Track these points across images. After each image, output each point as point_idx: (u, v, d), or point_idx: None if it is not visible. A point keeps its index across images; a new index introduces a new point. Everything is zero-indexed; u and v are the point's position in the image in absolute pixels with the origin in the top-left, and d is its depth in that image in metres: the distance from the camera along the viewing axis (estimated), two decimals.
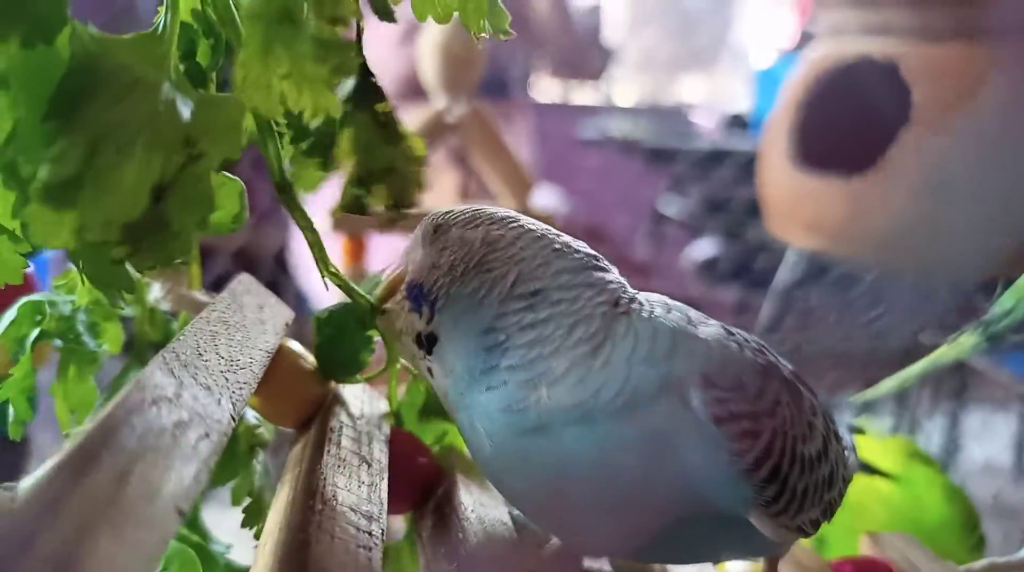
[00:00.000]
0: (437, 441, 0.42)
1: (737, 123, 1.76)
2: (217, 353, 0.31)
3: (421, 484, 0.40)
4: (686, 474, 0.30)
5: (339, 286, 0.37)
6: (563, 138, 1.88)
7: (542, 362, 0.30)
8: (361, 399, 0.41)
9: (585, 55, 2.21)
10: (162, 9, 0.27)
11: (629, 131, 1.84)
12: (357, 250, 0.80)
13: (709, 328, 0.33)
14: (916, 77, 0.77)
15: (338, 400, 0.39)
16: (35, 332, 0.36)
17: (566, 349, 0.30)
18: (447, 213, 0.35)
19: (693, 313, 0.34)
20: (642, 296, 0.33)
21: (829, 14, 0.87)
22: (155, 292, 0.37)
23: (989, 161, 0.74)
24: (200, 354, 0.30)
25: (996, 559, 0.46)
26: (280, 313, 0.40)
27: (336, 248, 0.93)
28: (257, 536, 0.40)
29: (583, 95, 1.99)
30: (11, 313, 0.36)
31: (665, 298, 0.34)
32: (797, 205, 0.88)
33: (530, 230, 0.33)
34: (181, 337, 0.30)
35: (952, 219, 0.77)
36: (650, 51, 2.09)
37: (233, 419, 0.28)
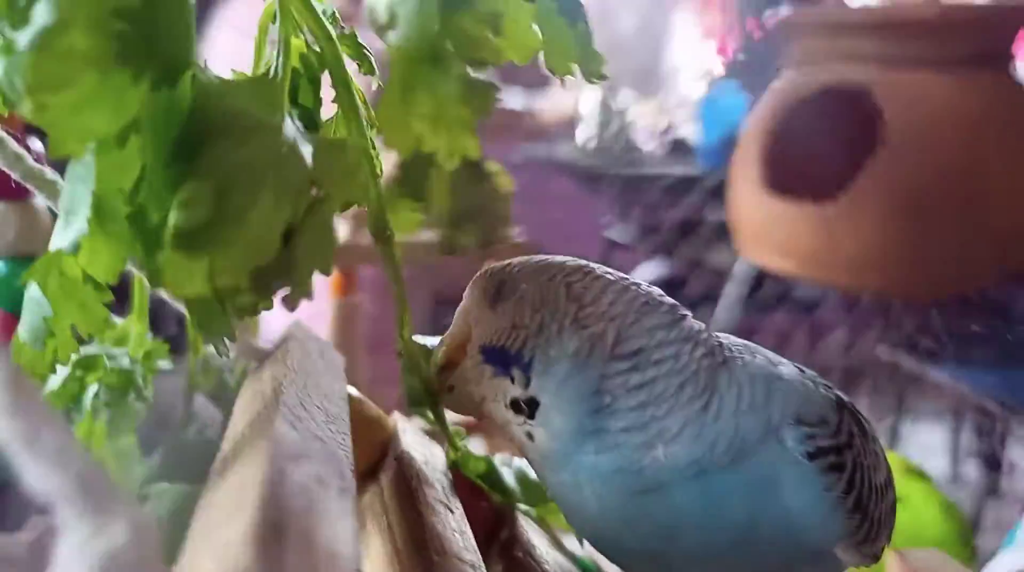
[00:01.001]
0: None
1: (681, 148, 1.81)
2: (315, 405, 0.30)
3: (483, 527, 0.40)
4: (789, 514, 0.30)
5: (406, 357, 0.35)
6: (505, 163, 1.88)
7: (656, 423, 0.30)
8: (422, 445, 0.40)
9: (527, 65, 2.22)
10: (269, 51, 0.27)
11: (563, 154, 1.85)
12: (347, 284, 0.79)
13: (787, 368, 0.34)
14: (887, 103, 0.81)
15: (403, 447, 0.38)
16: (94, 388, 0.34)
17: (679, 408, 0.30)
18: (506, 268, 0.34)
19: (768, 353, 0.35)
20: (723, 340, 0.33)
21: (799, 43, 0.90)
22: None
23: (958, 185, 0.78)
24: (304, 407, 0.29)
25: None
26: (335, 357, 0.39)
27: (320, 283, 0.91)
28: None
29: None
30: (63, 370, 0.34)
31: (740, 340, 0.35)
32: (768, 229, 0.91)
33: (609, 280, 0.32)
34: (284, 395, 0.29)
35: (920, 241, 0.80)
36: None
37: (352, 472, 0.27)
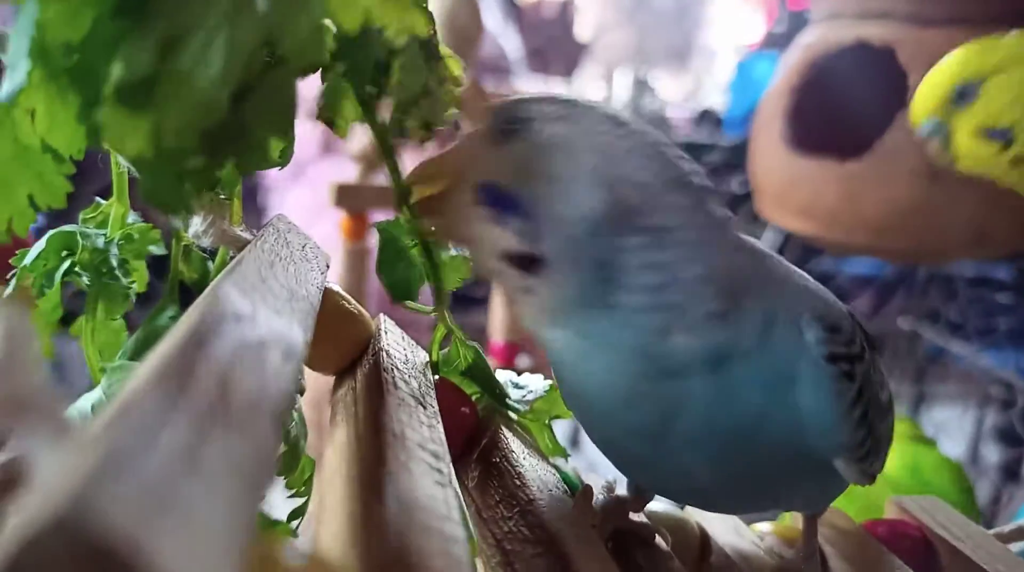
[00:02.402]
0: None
1: (709, 119, 1.78)
2: (278, 281, 0.29)
3: (464, 433, 0.39)
4: (799, 414, 0.29)
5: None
6: None
7: (676, 310, 0.28)
8: (403, 346, 0.39)
9: (556, 51, 2.22)
10: None
11: None
12: (358, 228, 0.78)
13: (805, 276, 0.32)
14: (913, 62, 0.78)
15: (382, 346, 0.38)
16: (66, 264, 0.33)
17: (701, 299, 0.28)
18: (522, 103, 0.30)
19: (786, 262, 0.33)
20: (753, 243, 0.32)
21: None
22: (195, 226, 0.35)
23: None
24: (264, 280, 0.28)
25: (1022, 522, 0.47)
26: (321, 254, 0.38)
27: (330, 227, 0.90)
28: (289, 485, 0.38)
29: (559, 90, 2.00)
30: (39, 245, 0.34)
31: (761, 244, 0.33)
32: (791, 189, 0.89)
33: (642, 138, 0.29)
34: (241, 263, 0.28)
35: (944, 203, 0.78)
36: (621, 48, 2.10)
37: (304, 346, 0.27)
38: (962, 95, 0.42)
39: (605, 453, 0.34)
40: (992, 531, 0.45)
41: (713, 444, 0.29)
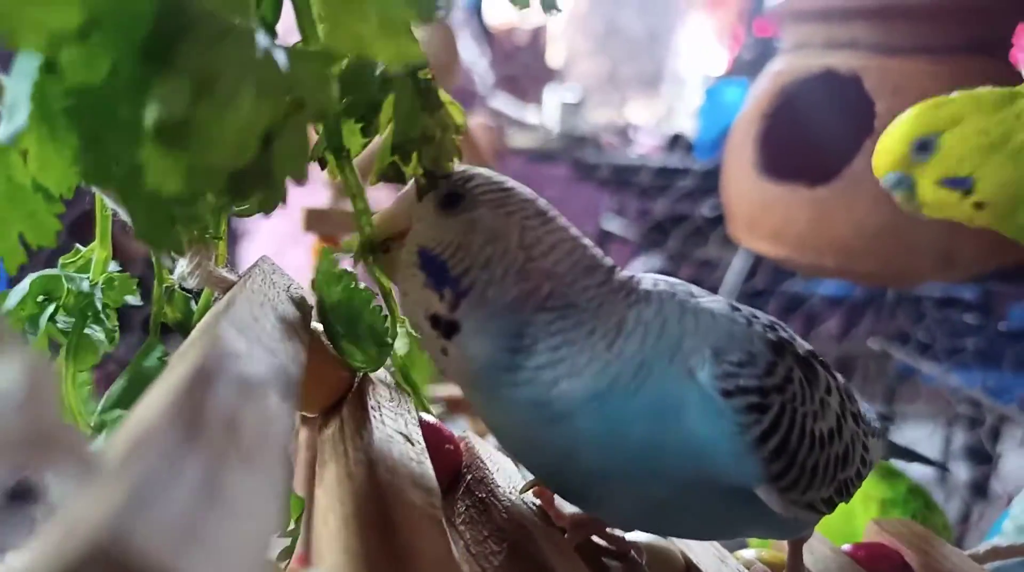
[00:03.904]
0: None
1: (680, 144, 1.81)
2: (269, 321, 0.30)
3: (449, 470, 0.39)
4: (693, 445, 0.31)
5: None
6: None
7: (566, 362, 0.31)
8: (387, 384, 0.40)
9: (528, 77, 2.25)
10: None
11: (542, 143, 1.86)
12: None
13: (714, 303, 0.34)
14: (879, 90, 0.80)
15: (367, 383, 0.38)
16: (50, 309, 0.33)
17: (588, 348, 0.31)
18: (464, 179, 0.34)
19: (695, 289, 0.35)
20: (648, 279, 0.34)
21: (795, 28, 0.90)
22: (181, 268, 0.35)
23: None
24: (256, 320, 0.29)
25: (997, 543, 0.48)
26: (304, 294, 0.38)
27: (303, 252, 0.91)
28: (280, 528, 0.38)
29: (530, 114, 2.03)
30: (22, 287, 0.34)
31: (668, 278, 0.35)
32: (762, 213, 0.91)
33: (561, 236, 0.33)
34: (233, 304, 0.29)
35: (910, 227, 0.80)
36: (594, 74, 2.13)
37: (298, 384, 0.27)
38: (922, 148, 0.44)
39: (554, 492, 0.37)
40: (968, 552, 0.46)
41: (617, 475, 0.32)
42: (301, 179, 0.26)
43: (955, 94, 0.46)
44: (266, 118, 0.23)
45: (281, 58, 0.24)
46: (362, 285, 0.36)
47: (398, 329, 0.38)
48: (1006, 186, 0.43)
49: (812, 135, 0.90)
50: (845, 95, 0.84)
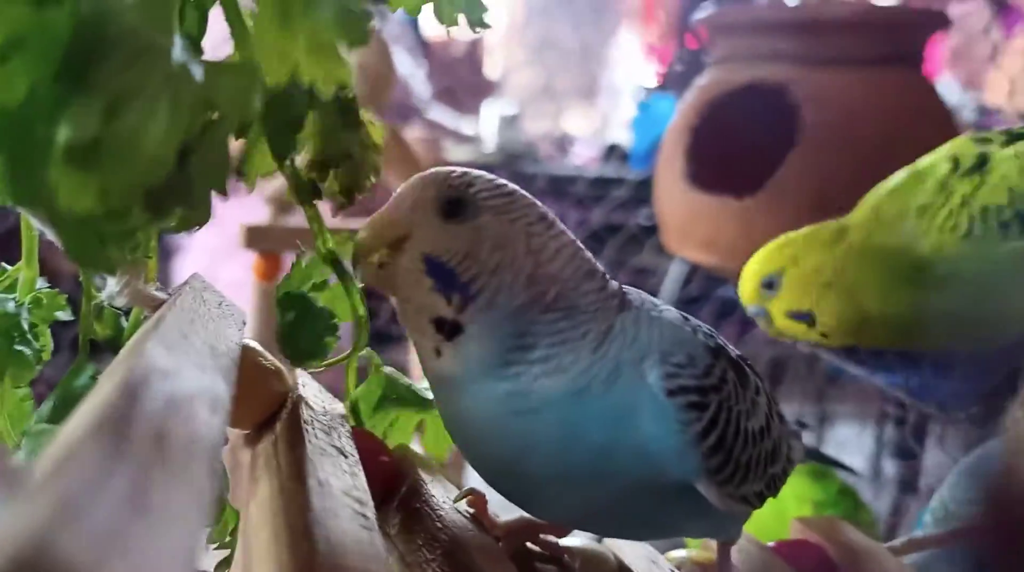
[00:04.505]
0: (389, 426, 0.42)
1: (616, 154, 1.84)
2: (199, 338, 0.30)
3: (384, 481, 0.40)
4: (642, 443, 0.33)
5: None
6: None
7: (556, 359, 0.33)
8: (321, 398, 0.40)
9: (466, 89, 2.26)
10: None
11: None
12: (270, 268, 0.78)
13: (671, 314, 0.36)
14: (803, 101, 0.83)
15: (301, 398, 0.38)
16: None
17: (577, 348, 0.33)
18: (465, 184, 0.34)
19: (660, 303, 0.37)
20: (631, 290, 0.37)
21: (722, 42, 0.93)
22: (110, 287, 0.34)
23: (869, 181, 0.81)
24: (185, 337, 0.29)
25: (914, 535, 0.50)
26: (237, 311, 0.39)
27: (240, 267, 0.90)
28: (214, 538, 0.38)
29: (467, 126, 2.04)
30: None
31: (643, 295, 0.37)
32: (692, 223, 0.93)
33: (564, 240, 0.35)
34: (161, 322, 0.29)
35: None
36: (530, 86, 2.16)
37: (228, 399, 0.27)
38: (768, 286, 0.48)
39: (501, 494, 0.37)
40: (887, 545, 0.48)
41: (571, 471, 0.33)
42: (222, 191, 0.26)
43: (799, 232, 0.50)
44: (181, 134, 0.23)
45: (199, 73, 0.24)
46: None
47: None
48: (842, 318, 0.48)
49: (739, 146, 0.93)
50: (770, 107, 0.87)
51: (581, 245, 0.36)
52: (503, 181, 0.35)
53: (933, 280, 0.45)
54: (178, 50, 0.24)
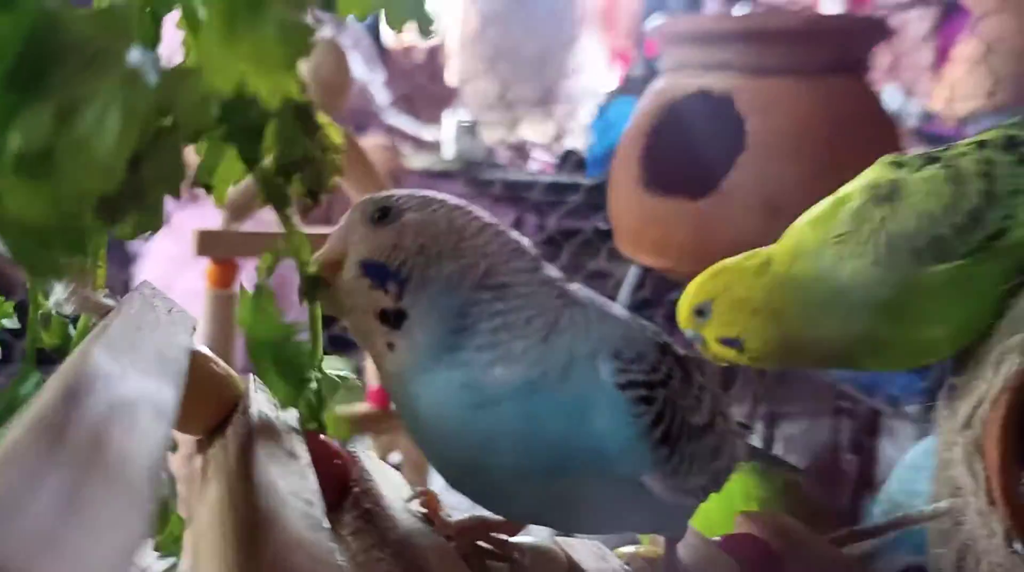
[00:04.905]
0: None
1: (572, 160, 1.86)
2: (146, 344, 0.30)
3: (338, 483, 0.40)
4: (597, 435, 0.34)
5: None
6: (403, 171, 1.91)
7: (504, 346, 0.34)
8: (272, 403, 0.40)
9: (425, 96, 2.26)
10: None
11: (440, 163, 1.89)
12: (224, 275, 0.78)
13: (620, 311, 0.38)
14: (750, 109, 0.86)
15: (251, 404, 0.38)
16: None
17: (526, 336, 0.34)
18: (389, 197, 0.37)
19: (609, 302, 0.38)
20: (572, 284, 0.38)
21: (672, 51, 0.95)
22: (58, 293, 0.35)
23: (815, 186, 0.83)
24: (132, 344, 0.29)
25: (855, 527, 0.52)
26: (187, 317, 0.39)
27: (196, 274, 0.89)
28: (160, 545, 0.39)
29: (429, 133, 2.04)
30: None
31: (589, 291, 0.38)
32: (645, 227, 0.95)
33: (487, 223, 0.36)
34: (108, 328, 0.29)
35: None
36: (489, 92, 2.16)
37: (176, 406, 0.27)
38: (700, 313, 0.50)
39: (459, 490, 0.37)
40: (828, 537, 0.50)
41: (530, 467, 0.34)
42: (176, 195, 0.27)
43: (729, 261, 0.52)
44: (134, 141, 0.24)
45: (154, 79, 0.25)
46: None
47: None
48: (769, 344, 0.50)
49: (691, 151, 0.95)
50: (719, 113, 0.90)
51: (507, 229, 0.37)
52: (424, 191, 0.37)
53: (850, 307, 0.47)
54: (133, 57, 0.25)
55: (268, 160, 0.35)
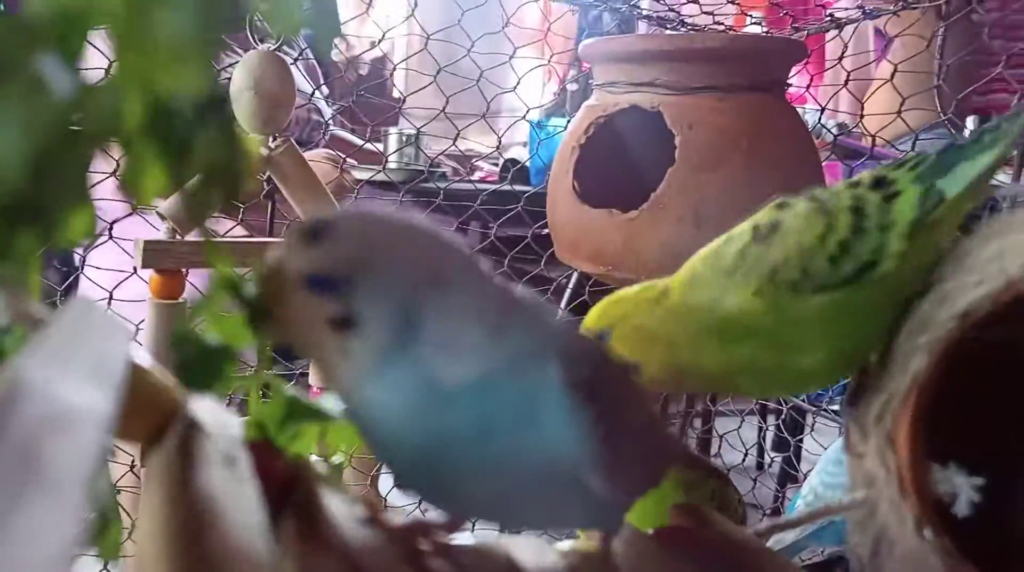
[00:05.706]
0: (292, 439, 0.43)
1: (513, 170, 1.89)
2: (81, 356, 0.31)
3: (278, 490, 0.41)
4: (543, 434, 0.35)
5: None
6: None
7: (458, 342, 0.35)
8: (215, 412, 0.41)
9: (370, 108, 2.26)
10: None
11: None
12: (169, 285, 0.77)
13: (560, 314, 0.39)
14: (677, 124, 0.89)
15: (191, 412, 0.39)
16: None
17: (473, 332, 0.35)
18: (320, 218, 0.37)
19: (546, 302, 0.40)
20: (515, 289, 0.39)
21: (604, 69, 0.98)
22: None
23: (737, 197, 0.87)
24: (66, 353, 0.30)
25: (776, 520, 0.55)
26: (124, 327, 0.39)
27: (138, 284, 0.88)
28: (101, 553, 0.39)
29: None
30: None
31: (530, 292, 0.40)
32: (582, 236, 0.98)
33: (426, 227, 0.37)
34: (41, 339, 0.30)
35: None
36: (433, 104, 2.17)
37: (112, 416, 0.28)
38: (600, 339, 0.53)
39: (409, 489, 0.39)
40: (751, 528, 0.53)
41: (483, 465, 0.35)
42: (85, 208, 0.27)
43: (629, 290, 0.55)
44: (34, 151, 0.24)
45: (67, 91, 0.25)
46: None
47: None
48: (664, 370, 0.53)
49: (623, 164, 0.98)
50: (649, 128, 0.93)
51: (447, 232, 0.38)
52: (361, 205, 0.38)
53: (735, 336, 0.49)
54: (38, 66, 0.25)
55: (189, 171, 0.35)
